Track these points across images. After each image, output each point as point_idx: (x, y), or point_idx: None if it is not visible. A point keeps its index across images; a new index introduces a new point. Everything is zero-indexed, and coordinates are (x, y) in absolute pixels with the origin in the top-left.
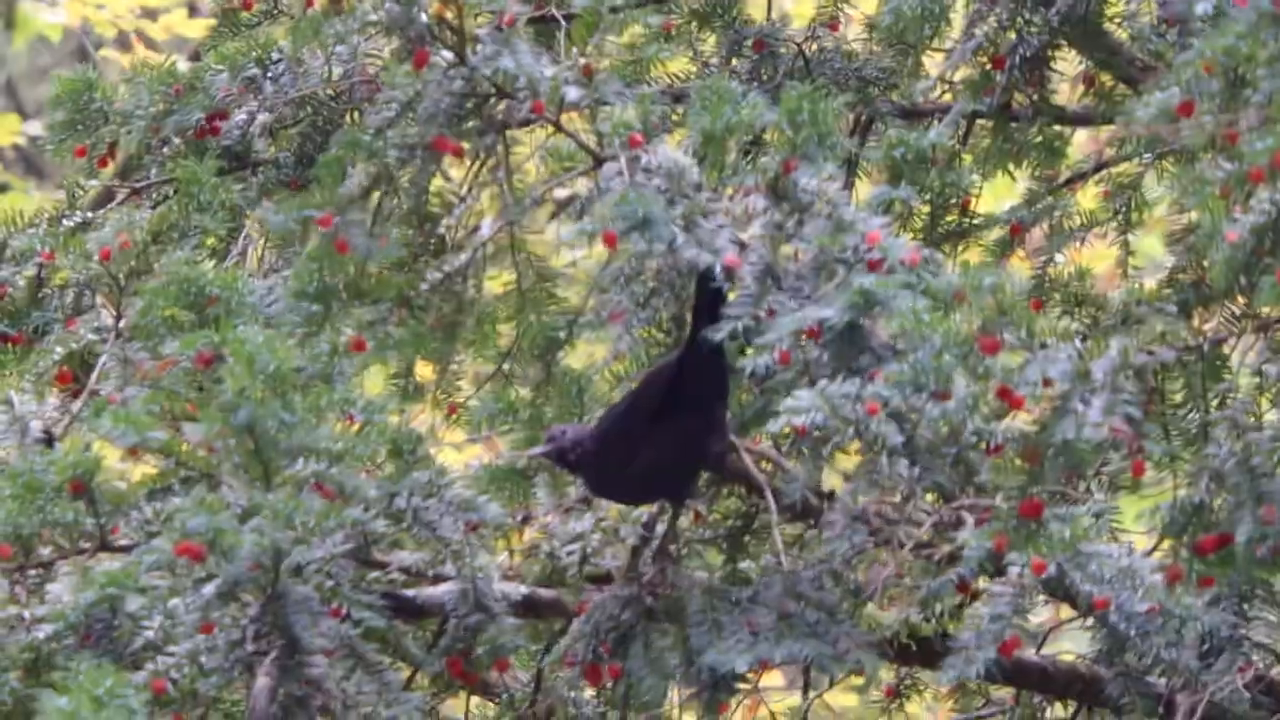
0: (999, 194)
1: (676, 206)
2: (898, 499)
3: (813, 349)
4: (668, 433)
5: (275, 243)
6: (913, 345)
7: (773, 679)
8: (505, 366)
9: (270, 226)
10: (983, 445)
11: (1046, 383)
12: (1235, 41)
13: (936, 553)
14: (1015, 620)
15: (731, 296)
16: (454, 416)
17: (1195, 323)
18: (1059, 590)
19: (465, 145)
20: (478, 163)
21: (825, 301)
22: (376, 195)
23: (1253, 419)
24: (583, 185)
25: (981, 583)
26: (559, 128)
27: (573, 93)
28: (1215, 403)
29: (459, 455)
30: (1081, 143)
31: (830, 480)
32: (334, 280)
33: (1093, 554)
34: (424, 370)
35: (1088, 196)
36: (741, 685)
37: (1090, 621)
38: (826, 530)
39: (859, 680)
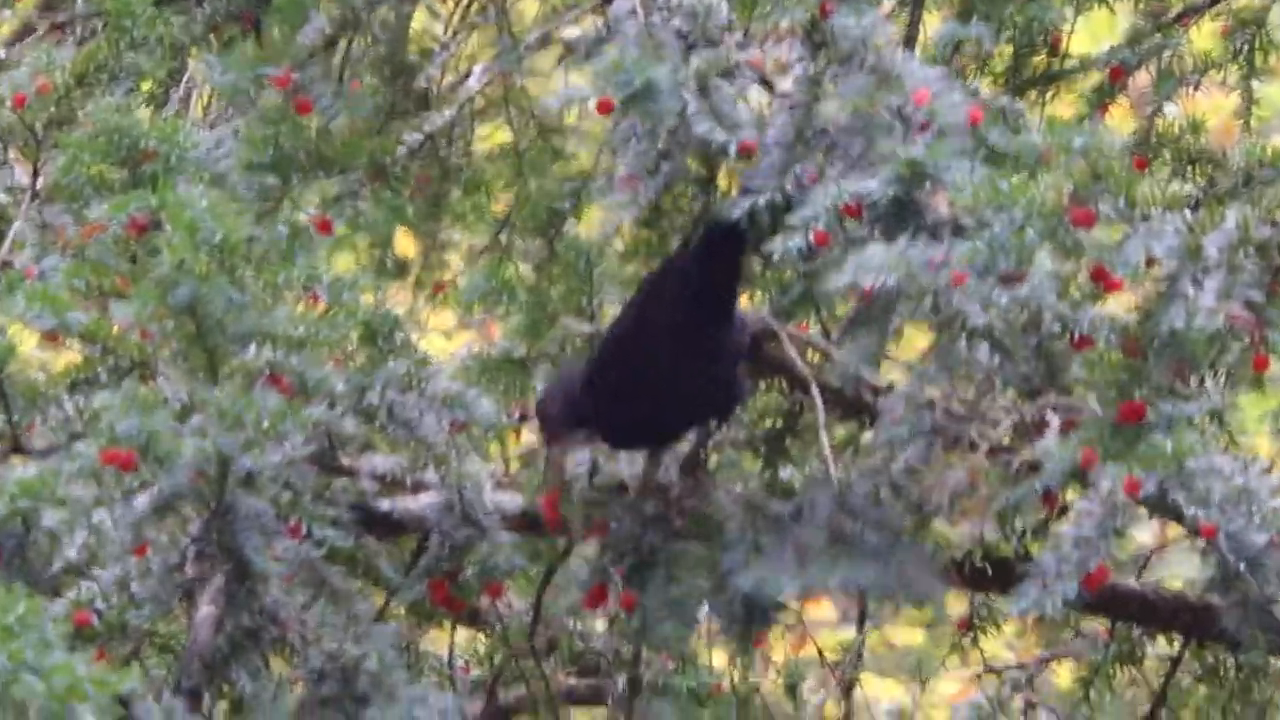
0: (1097, 32)
1: (694, 57)
2: (971, 394)
3: (857, 227)
4: (698, 344)
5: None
6: (985, 219)
7: (821, 612)
8: (501, 237)
9: (216, 85)
10: (1067, 335)
11: (1150, 261)
12: None
13: (1016, 459)
14: (1103, 545)
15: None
16: (440, 296)
17: None
18: (1161, 507)
19: None
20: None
21: (868, 171)
22: (343, 43)
23: None
24: (592, 25)
25: (1071, 495)
26: None
27: None
28: None
29: (447, 344)
30: None
31: (889, 375)
32: (294, 147)
33: (1202, 470)
34: (405, 243)
35: (1203, 34)
36: (783, 616)
37: (1200, 542)
38: (883, 418)
39: (925, 613)
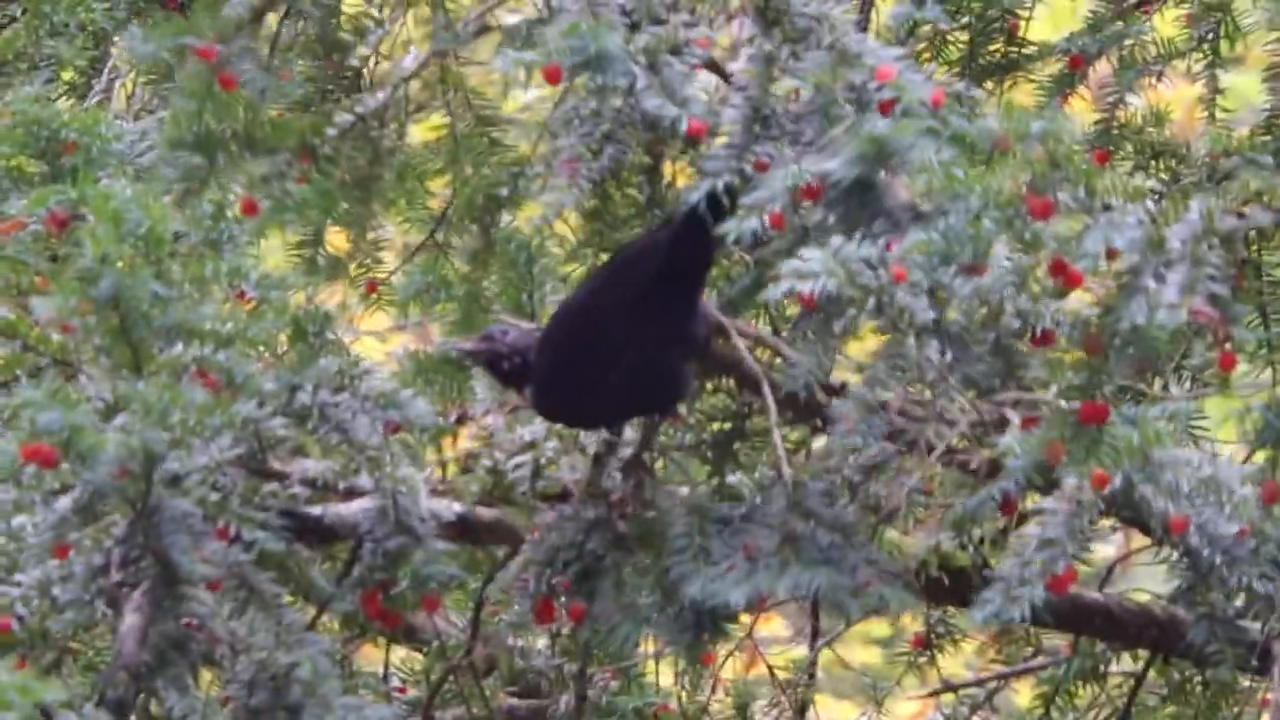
0: (1057, 19)
1: (642, 35)
2: (925, 394)
3: (814, 211)
4: (652, 326)
5: (148, 76)
6: (943, 207)
7: (773, 629)
8: (438, 234)
9: (137, 57)
10: (1027, 331)
11: (1111, 254)
12: None
13: (973, 461)
14: (1070, 547)
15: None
16: (374, 296)
17: None
18: (1127, 511)
19: None
20: None
21: (828, 151)
22: (272, 19)
23: None
24: (533, 7)
25: (1030, 501)
26: None
27: None
28: None
29: (382, 346)
30: None
31: (841, 375)
32: (220, 125)
33: (1168, 462)
34: (337, 239)
35: (1166, 21)
36: (734, 628)
37: (1165, 552)
38: (836, 425)
39: (880, 629)
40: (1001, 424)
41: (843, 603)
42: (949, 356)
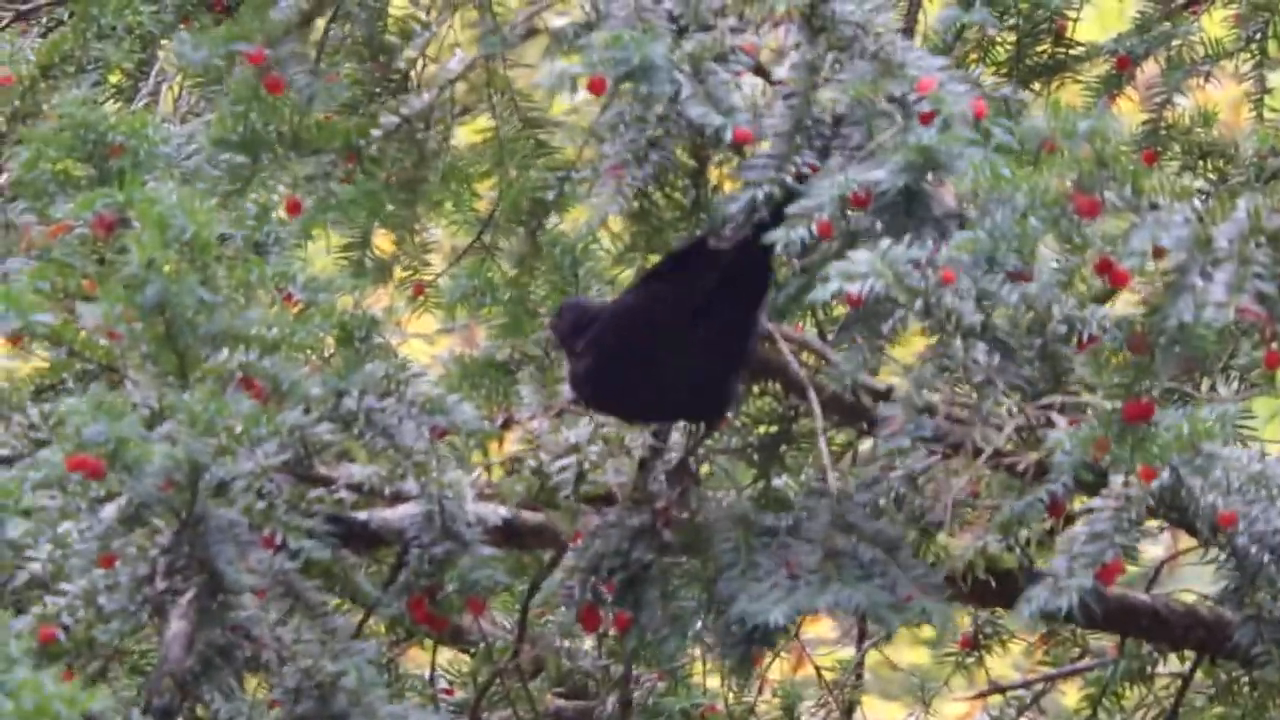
0: (1105, 19)
1: (687, 42)
2: (972, 396)
3: (861, 219)
4: (706, 337)
5: (196, 79)
6: (989, 208)
7: (820, 630)
8: (485, 236)
9: (187, 63)
10: (1074, 337)
11: (1158, 252)
12: None
13: (1021, 463)
14: (1119, 540)
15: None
16: (421, 299)
17: None
18: (1174, 511)
19: None
20: None
21: (875, 160)
22: (320, 23)
23: None
24: (581, 11)
25: (1077, 503)
26: None
27: None
28: None
29: (429, 349)
30: None
31: (887, 378)
32: (266, 127)
33: (1217, 457)
34: (384, 242)
35: (1214, 21)
36: (781, 638)
37: (1213, 553)
38: (882, 428)
39: (928, 630)
40: (1048, 427)
41: (884, 618)
42: (996, 360)
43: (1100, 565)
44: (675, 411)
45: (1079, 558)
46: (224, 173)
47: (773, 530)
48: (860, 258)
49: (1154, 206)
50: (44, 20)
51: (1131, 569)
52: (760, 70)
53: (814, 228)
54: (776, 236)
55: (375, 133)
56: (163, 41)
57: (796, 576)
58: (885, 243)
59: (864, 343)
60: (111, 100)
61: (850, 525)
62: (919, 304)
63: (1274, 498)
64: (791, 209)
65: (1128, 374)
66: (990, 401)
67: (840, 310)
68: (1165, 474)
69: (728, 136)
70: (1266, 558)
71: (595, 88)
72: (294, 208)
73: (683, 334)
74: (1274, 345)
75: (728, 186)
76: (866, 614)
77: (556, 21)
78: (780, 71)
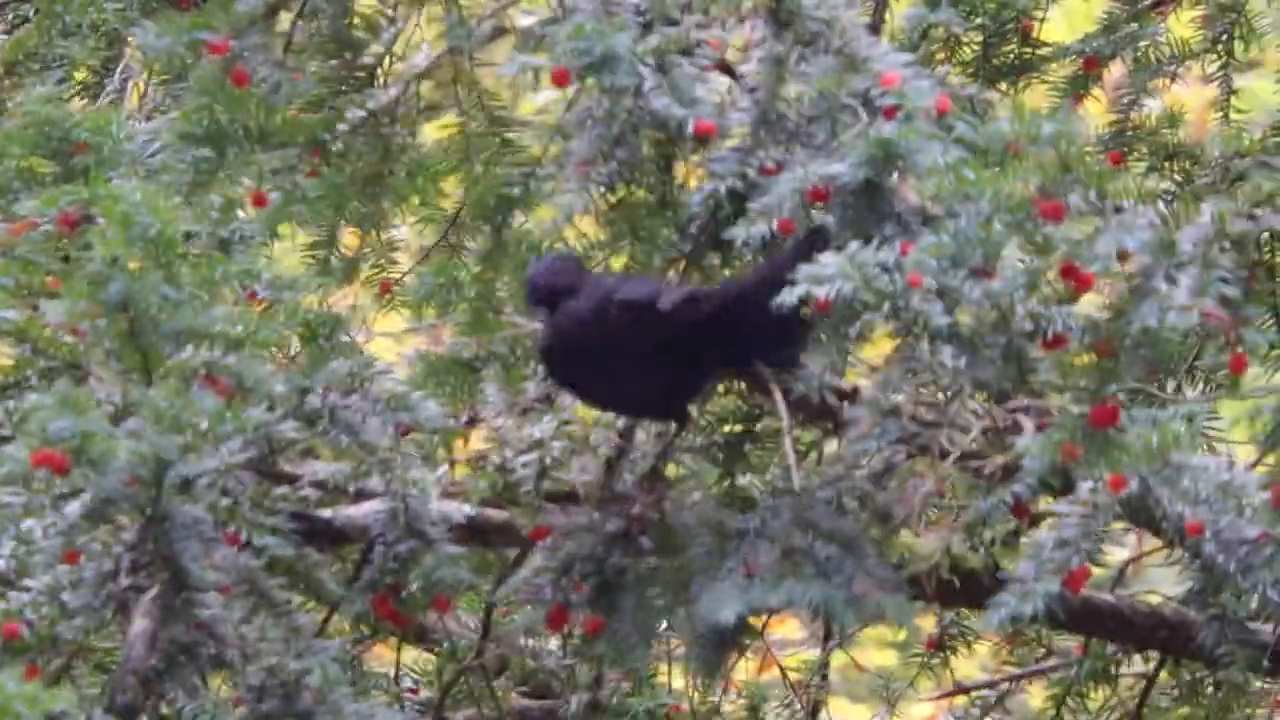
0: (1072, 20)
1: (652, 36)
2: (939, 398)
3: (822, 215)
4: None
5: (161, 76)
6: (953, 210)
7: (788, 630)
8: (452, 235)
9: (150, 51)
10: (1039, 336)
11: (1122, 256)
12: None
13: (987, 466)
14: (1085, 546)
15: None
16: (388, 297)
17: None
18: (1140, 514)
19: None
20: None
21: (836, 155)
22: (288, 17)
23: None
24: (548, 9)
25: (1042, 504)
26: None
27: None
28: None
29: (397, 348)
30: None
31: (853, 380)
32: (231, 121)
33: (1185, 466)
34: (352, 241)
35: (1181, 23)
36: (747, 638)
37: (1178, 554)
38: (849, 430)
39: (894, 632)
40: (1015, 430)
41: (838, 614)
42: (962, 361)
43: (1067, 572)
44: (631, 410)
45: (1046, 563)
46: (189, 166)
47: (741, 532)
48: (827, 260)
49: (1118, 210)
50: (9, 17)
51: (1097, 570)
52: (725, 66)
53: (774, 224)
54: (736, 233)
55: (341, 127)
56: (128, 38)
57: (752, 576)
58: (854, 245)
59: (831, 344)
60: (77, 97)
61: (809, 523)
62: (886, 307)
63: (1241, 507)
64: (752, 205)
65: (1093, 377)
66: (957, 404)
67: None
68: (1134, 483)
69: (690, 128)
70: (1233, 566)
71: (558, 79)
72: (259, 201)
73: (642, 357)
74: (1239, 349)
75: (693, 184)
76: (821, 611)
77: (524, 20)
78: (746, 67)
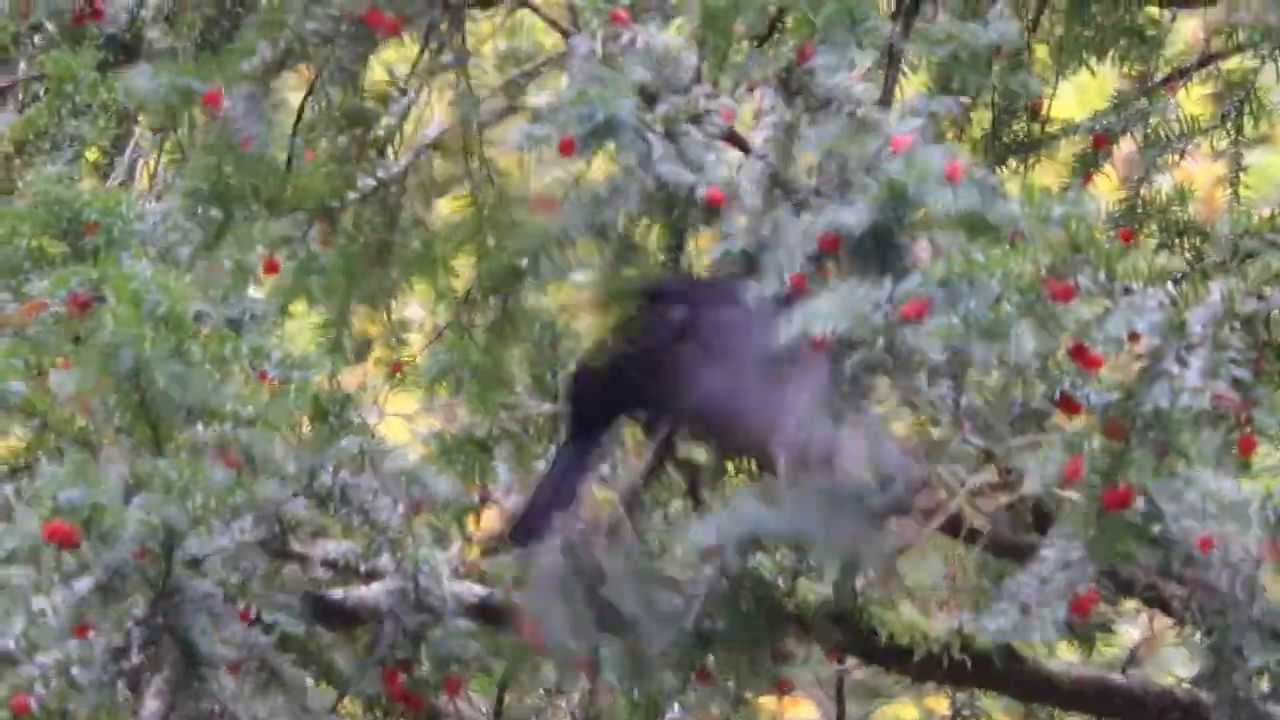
0: (1083, 96)
1: (660, 105)
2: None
3: (834, 269)
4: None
5: (171, 156)
6: (961, 291)
7: (802, 712)
8: (463, 315)
9: (139, 96)
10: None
11: (1132, 337)
12: None
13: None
14: (1090, 568)
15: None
16: (399, 376)
17: None
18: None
19: (405, 20)
20: (424, 51)
21: (845, 205)
22: (298, 89)
23: None
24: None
25: None
26: (522, 2)
27: None
28: None
29: (410, 428)
30: (1184, 30)
31: None
32: (240, 182)
33: (1193, 481)
34: (362, 322)
35: (1191, 99)
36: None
37: (1191, 634)
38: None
39: (910, 711)
40: (1016, 484)
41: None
42: (963, 400)
43: (1073, 595)
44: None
45: (1049, 582)
46: (196, 225)
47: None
48: (823, 300)
49: (1128, 291)
50: (19, 96)
51: (1108, 650)
52: (735, 137)
53: (786, 279)
54: (749, 289)
55: (350, 195)
56: (138, 118)
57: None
58: (848, 284)
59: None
60: (86, 177)
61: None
62: (881, 342)
63: (1249, 524)
64: (764, 259)
65: (1104, 459)
66: (958, 441)
67: None
68: (1141, 503)
69: (701, 194)
70: (1239, 586)
71: (564, 148)
72: (271, 268)
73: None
74: (1248, 430)
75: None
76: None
77: (536, 99)
78: (757, 135)
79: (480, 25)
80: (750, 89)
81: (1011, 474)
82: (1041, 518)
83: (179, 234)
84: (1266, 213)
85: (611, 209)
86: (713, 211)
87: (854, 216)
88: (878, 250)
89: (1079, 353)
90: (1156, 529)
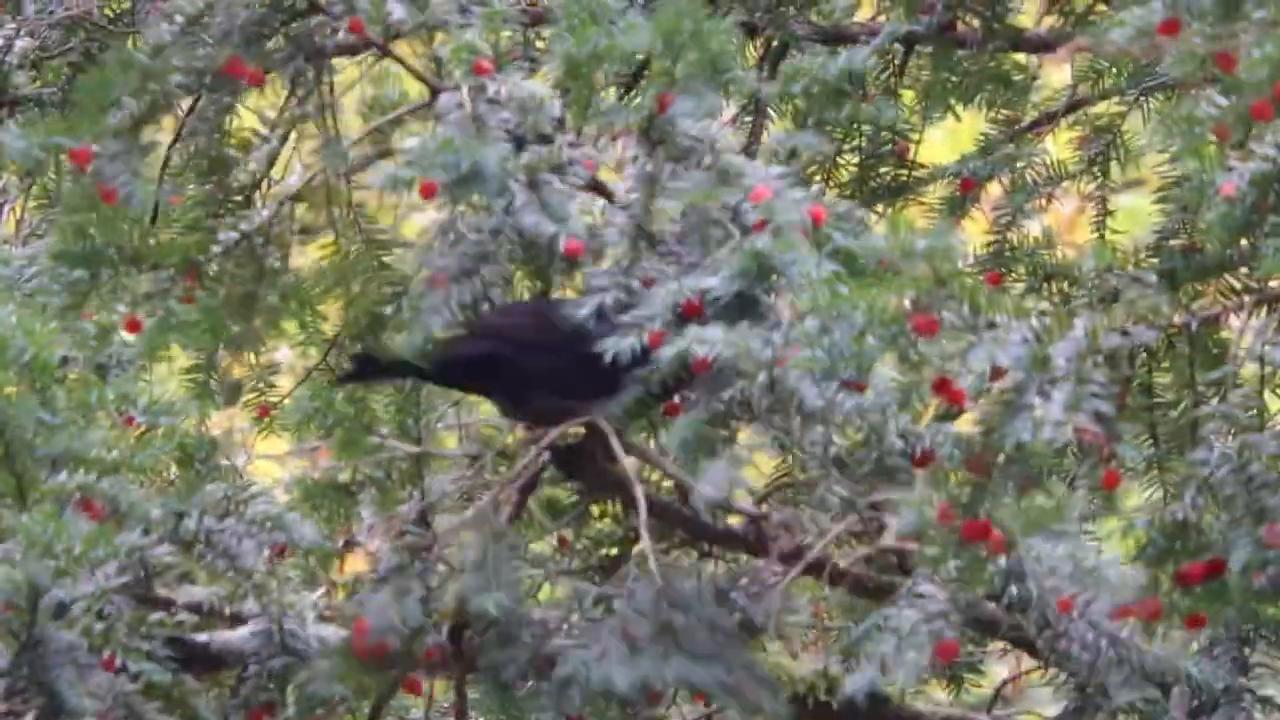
0: (956, 140)
1: (525, 153)
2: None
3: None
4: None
5: (38, 200)
6: (826, 324)
7: None
8: (332, 357)
9: (10, 154)
10: (911, 452)
11: (995, 372)
12: None
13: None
14: (954, 619)
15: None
16: (266, 420)
17: (1183, 297)
18: (1007, 599)
19: (268, 72)
20: (288, 98)
21: (710, 268)
22: (165, 139)
23: (1252, 415)
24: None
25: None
26: (386, 53)
27: (399, 10)
28: (1208, 396)
29: (278, 471)
30: (1049, 76)
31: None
32: (105, 241)
33: (1058, 541)
34: (231, 365)
35: (1059, 143)
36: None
37: (1054, 674)
38: (696, 496)
39: None
40: (878, 531)
41: (724, 702)
42: (833, 448)
43: (938, 640)
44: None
45: (912, 636)
46: (63, 288)
47: (606, 598)
48: (714, 330)
49: (991, 325)
50: None
51: (977, 690)
52: (598, 185)
53: (646, 337)
54: (609, 345)
55: (214, 248)
56: (5, 164)
57: (635, 646)
58: (744, 324)
59: (702, 412)
60: None
61: (679, 604)
62: (763, 377)
63: (1105, 582)
64: (624, 318)
65: (966, 493)
66: (824, 487)
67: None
68: (1002, 560)
69: (561, 246)
70: (1103, 644)
71: (426, 192)
72: (134, 327)
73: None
74: (1112, 465)
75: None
76: (710, 697)
77: (406, 143)
78: (620, 185)
79: (345, 74)
80: (614, 138)
81: (874, 522)
82: (904, 556)
83: (44, 296)
84: (1129, 248)
85: (477, 258)
86: (573, 263)
87: (719, 282)
88: (740, 309)
89: (942, 386)
90: (1015, 589)
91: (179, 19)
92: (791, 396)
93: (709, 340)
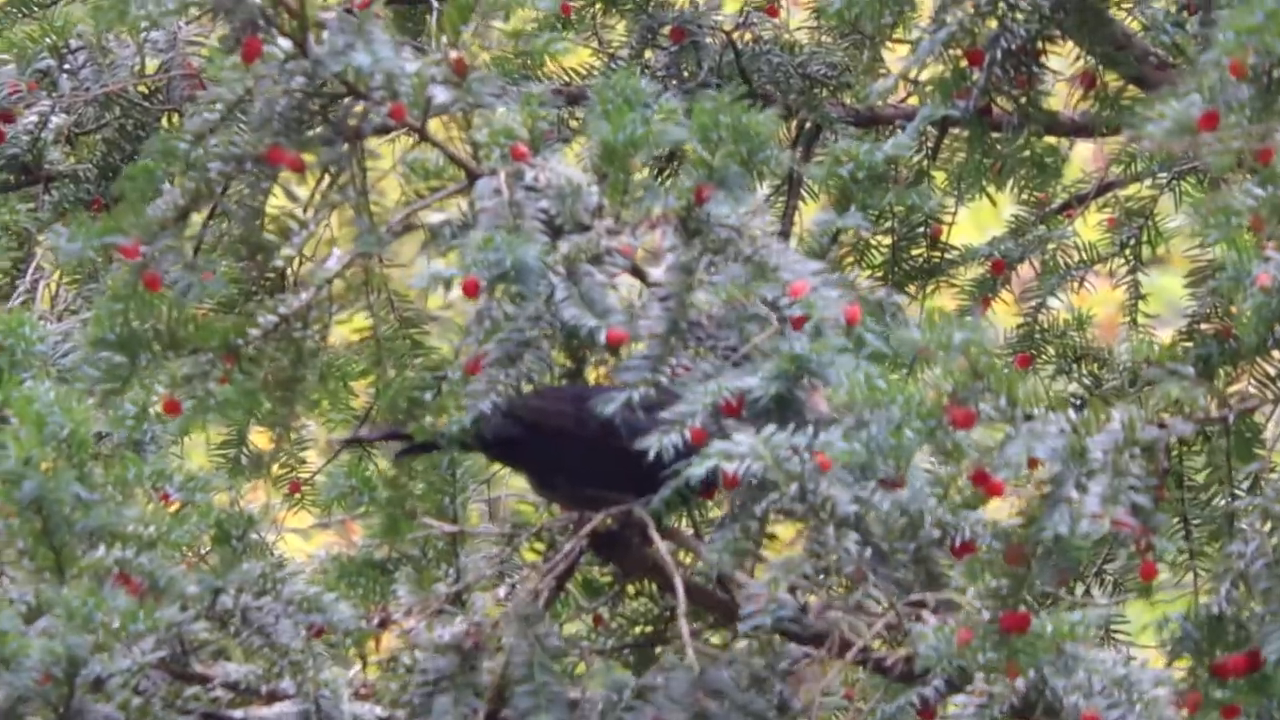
0: (983, 222)
1: (563, 243)
2: (842, 588)
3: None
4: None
5: (72, 276)
6: (864, 420)
7: None
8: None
9: (62, 256)
10: (947, 541)
11: (1033, 463)
12: (1265, 20)
13: (889, 659)
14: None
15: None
16: (297, 496)
17: (1220, 386)
18: (1037, 710)
19: (308, 157)
20: (324, 179)
21: (747, 366)
22: (199, 218)
23: None
24: (457, 208)
25: (951, 708)
26: (424, 137)
27: (441, 94)
28: (1244, 487)
29: (304, 545)
30: (1081, 158)
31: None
32: (143, 325)
33: (1081, 658)
34: (261, 439)
35: (1089, 225)
36: None
37: None
38: (745, 604)
39: None
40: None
41: None
42: (868, 553)
43: None
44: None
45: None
46: (102, 372)
47: (645, 690)
48: (741, 439)
49: (1028, 417)
50: None
51: None
52: (636, 271)
53: (688, 434)
54: (649, 443)
55: (253, 332)
56: (39, 239)
57: None
58: (769, 428)
59: (738, 530)
60: None
61: (718, 691)
62: (794, 488)
63: (1134, 701)
64: (664, 415)
65: (1004, 583)
66: (860, 593)
67: (717, 511)
68: (1030, 672)
69: (602, 338)
70: None
71: (469, 290)
72: (172, 408)
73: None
74: (1149, 556)
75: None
76: None
77: (433, 218)
78: (656, 273)
79: (381, 160)
80: (651, 226)
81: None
82: None
83: (84, 382)
84: (1164, 336)
85: (520, 344)
86: (614, 350)
87: (758, 385)
88: (779, 408)
89: (980, 478)
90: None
91: (219, 106)
92: (824, 503)
93: (736, 455)
